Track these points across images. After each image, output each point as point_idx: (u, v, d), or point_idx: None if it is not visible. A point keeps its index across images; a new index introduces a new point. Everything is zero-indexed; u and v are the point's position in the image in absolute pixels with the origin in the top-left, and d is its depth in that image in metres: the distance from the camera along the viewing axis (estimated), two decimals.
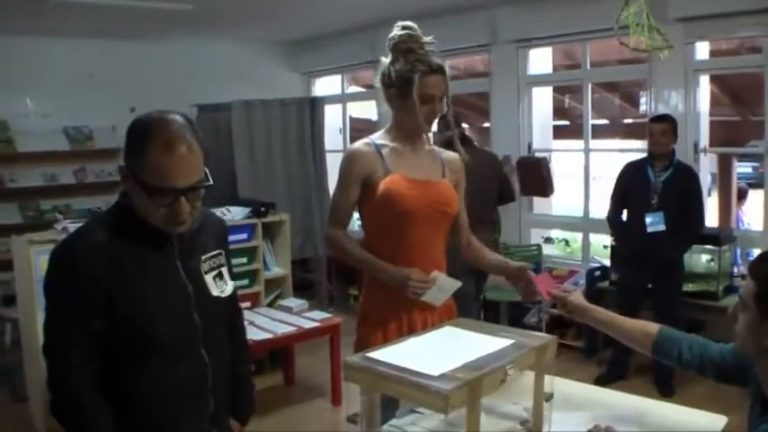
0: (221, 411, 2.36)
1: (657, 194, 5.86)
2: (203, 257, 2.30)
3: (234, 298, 2.46)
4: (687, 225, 5.89)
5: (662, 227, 5.81)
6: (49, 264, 2.11)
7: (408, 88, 2.94)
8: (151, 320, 2.09)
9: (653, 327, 2.59)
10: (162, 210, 2.06)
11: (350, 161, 3.04)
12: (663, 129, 5.88)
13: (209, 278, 2.29)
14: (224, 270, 2.38)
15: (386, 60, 3.05)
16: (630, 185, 6.07)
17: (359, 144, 3.09)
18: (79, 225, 2.26)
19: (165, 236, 2.16)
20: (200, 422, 2.28)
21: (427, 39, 3.01)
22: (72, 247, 2.09)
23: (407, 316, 3.00)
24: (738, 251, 6.60)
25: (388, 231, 3.00)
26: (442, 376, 1.95)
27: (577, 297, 2.74)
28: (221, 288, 2.33)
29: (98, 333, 2.05)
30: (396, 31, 3.01)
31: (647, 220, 5.85)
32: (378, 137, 3.11)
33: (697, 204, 5.99)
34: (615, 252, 6.53)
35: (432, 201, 2.99)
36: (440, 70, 2.98)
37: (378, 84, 3.06)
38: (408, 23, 3.01)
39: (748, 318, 2.12)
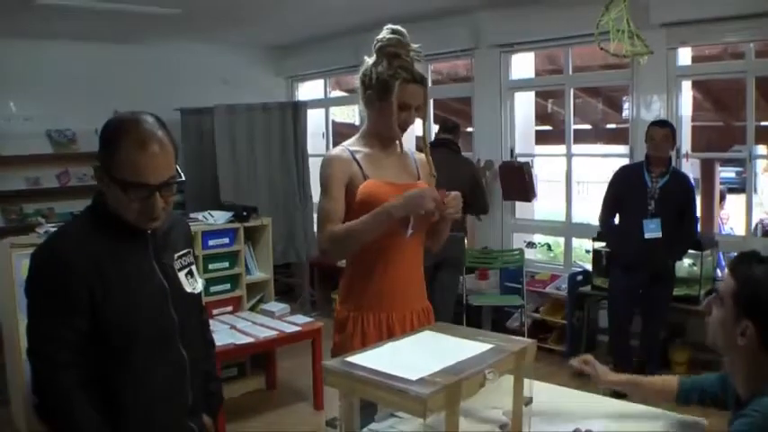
0: (197, 404, 2.43)
1: (655, 200, 5.83)
2: (175, 256, 2.39)
3: (201, 295, 2.54)
4: (683, 233, 5.91)
5: (659, 233, 5.79)
6: (30, 265, 2.15)
7: (387, 92, 2.91)
8: (133, 318, 2.16)
9: (672, 380, 2.63)
10: (135, 205, 2.14)
11: (331, 166, 2.98)
12: (665, 134, 5.84)
13: (182, 275, 2.38)
14: (193, 268, 2.47)
15: (369, 61, 3.02)
16: (626, 190, 6.01)
17: (336, 151, 3.05)
18: (55, 230, 2.30)
19: (141, 235, 2.23)
20: (181, 416, 2.36)
21: (414, 46, 2.99)
22: (54, 249, 2.14)
23: (386, 319, 2.98)
24: (721, 256, 6.64)
25: None
26: (421, 380, 1.94)
27: (604, 370, 2.75)
28: (193, 285, 2.42)
29: (82, 332, 2.09)
30: (384, 34, 2.99)
31: (646, 225, 5.80)
32: (351, 143, 3.08)
33: (694, 213, 6.02)
34: (610, 257, 6.42)
35: None
36: (421, 81, 2.97)
37: (357, 83, 3.05)
38: (398, 28, 2.99)
39: (723, 313, 2.16)
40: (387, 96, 2.92)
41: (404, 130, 3.02)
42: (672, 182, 5.87)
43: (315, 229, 7.81)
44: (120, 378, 2.17)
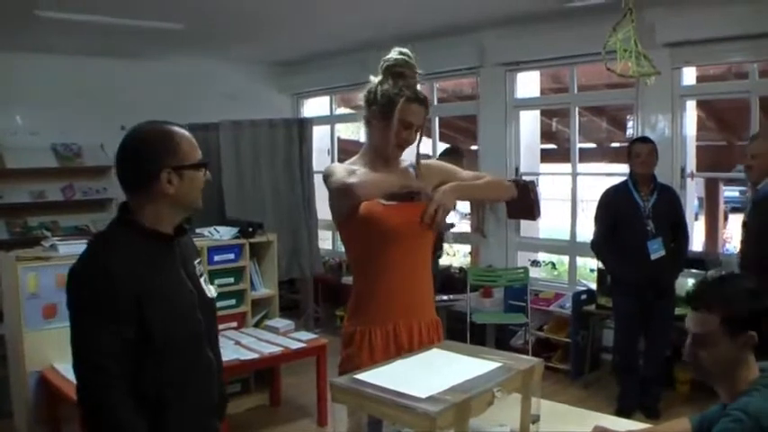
0: (221, 404, 2.60)
1: (651, 219, 5.80)
2: (195, 263, 2.53)
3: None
4: (681, 248, 5.93)
5: (663, 252, 5.77)
6: (74, 278, 2.23)
7: (390, 109, 2.95)
8: (172, 323, 2.26)
9: (683, 422, 2.63)
10: (203, 183, 2.40)
11: (337, 167, 3.08)
12: (650, 149, 5.85)
13: (202, 281, 2.49)
14: (205, 276, 2.58)
15: (375, 79, 3.06)
16: (620, 212, 5.93)
17: (336, 164, 3.15)
18: (91, 244, 2.37)
19: (170, 244, 2.36)
20: (210, 416, 2.51)
21: (419, 70, 3.04)
22: (100, 261, 2.22)
23: (393, 330, 2.98)
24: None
25: (369, 254, 3.00)
26: (430, 398, 1.96)
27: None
28: (210, 291, 2.53)
29: (129, 341, 2.16)
30: (392, 54, 3.03)
31: (650, 246, 5.75)
32: (353, 162, 3.13)
33: (686, 227, 6.03)
34: (614, 278, 6.23)
35: (411, 220, 2.94)
36: (424, 101, 3.02)
37: (361, 100, 3.09)
38: (406, 50, 3.05)
39: (717, 351, 2.19)
40: (390, 113, 2.95)
41: (402, 148, 3.06)
42: (661, 198, 5.87)
43: (321, 248, 7.80)
44: (159, 382, 2.24)
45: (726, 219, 9.29)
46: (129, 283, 2.16)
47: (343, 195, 2.92)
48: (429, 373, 2.22)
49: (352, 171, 3.00)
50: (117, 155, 2.32)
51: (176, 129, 2.36)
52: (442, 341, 3.00)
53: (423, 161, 3.22)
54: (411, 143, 3.05)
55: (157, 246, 2.32)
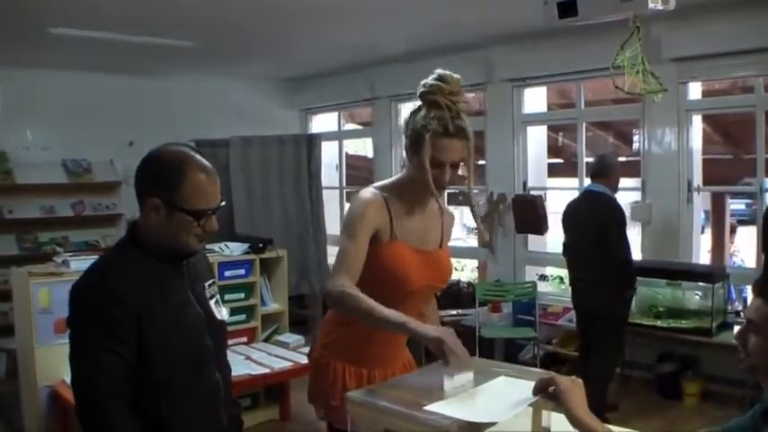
0: (232, 426, 2.53)
1: None
2: (205, 285, 2.48)
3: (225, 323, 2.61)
4: None
5: None
6: (77, 296, 2.22)
7: (419, 144, 2.66)
8: (176, 345, 2.24)
9: None
10: (197, 230, 2.27)
11: (365, 210, 2.73)
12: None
13: (211, 304, 2.46)
14: (218, 297, 2.54)
15: (412, 107, 2.80)
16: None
17: (370, 195, 2.79)
18: (97, 261, 2.37)
19: (178, 266, 2.32)
20: None
21: (462, 98, 2.72)
22: (104, 281, 2.21)
23: (367, 375, 2.85)
24: (732, 288, 6.66)
25: (376, 296, 2.61)
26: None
27: None
28: (221, 313, 2.49)
29: (129, 361, 2.15)
30: (428, 79, 2.74)
31: None
32: (387, 187, 2.84)
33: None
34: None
35: (431, 276, 2.84)
36: (458, 134, 2.67)
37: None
38: (446, 73, 2.74)
39: (764, 341, 2.16)
40: (418, 148, 2.67)
41: (439, 187, 2.74)
42: None
43: (330, 264, 7.85)
44: (162, 404, 2.23)
45: (733, 232, 9.28)
46: (130, 302, 2.16)
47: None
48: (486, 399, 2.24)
49: (379, 206, 2.75)
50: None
51: (194, 166, 2.24)
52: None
53: (447, 211, 3.04)
54: (447, 181, 2.73)
55: (162, 266, 2.30)
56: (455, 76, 2.73)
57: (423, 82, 2.74)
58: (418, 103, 2.75)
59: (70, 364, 2.20)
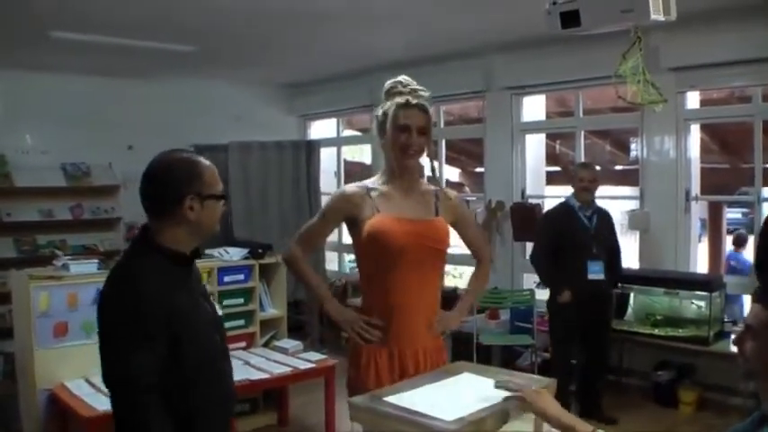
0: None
1: (595, 242, 6.02)
2: (203, 284, 2.70)
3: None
4: (618, 271, 6.30)
5: (602, 275, 6.01)
6: (114, 305, 2.31)
7: (386, 122, 3.03)
8: (201, 340, 2.38)
9: None
10: (220, 214, 2.48)
11: (336, 198, 3.19)
12: (593, 175, 6.15)
13: (212, 300, 2.62)
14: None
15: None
16: (567, 232, 6.09)
17: (350, 185, 3.19)
18: (120, 267, 2.45)
19: (188, 265, 2.47)
20: (230, 418, 2.70)
21: (416, 85, 3.10)
22: (135, 286, 2.29)
23: (398, 354, 2.99)
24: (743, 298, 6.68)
25: (379, 271, 3.01)
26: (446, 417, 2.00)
27: None
28: (217, 309, 2.71)
29: (161, 359, 2.24)
30: (388, 81, 3.14)
31: (591, 267, 5.97)
32: (371, 181, 3.15)
33: (620, 251, 6.34)
34: (552, 296, 6.30)
35: (420, 236, 2.99)
36: (418, 106, 3.02)
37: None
38: (403, 77, 3.14)
39: (761, 345, 2.18)
40: (386, 124, 3.04)
41: (408, 154, 3.04)
42: (601, 221, 6.13)
43: (327, 269, 7.85)
44: (188, 400, 2.33)
45: (745, 242, 9.27)
46: (159, 303, 2.25)
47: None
48: (445, 393, 2.26)
49: (357, 196, 3.09)
50: (143, 179, 2.38)
51: (201, 159, 2.45)
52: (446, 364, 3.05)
53: (442, 193, 3.23)
54: (415, 148, 3.04)
55: (179, 267, 2.42)
56: (408, 79, 3.14)
57: (384, 84, 3.14)
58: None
59: (107, 368, 2.28)
